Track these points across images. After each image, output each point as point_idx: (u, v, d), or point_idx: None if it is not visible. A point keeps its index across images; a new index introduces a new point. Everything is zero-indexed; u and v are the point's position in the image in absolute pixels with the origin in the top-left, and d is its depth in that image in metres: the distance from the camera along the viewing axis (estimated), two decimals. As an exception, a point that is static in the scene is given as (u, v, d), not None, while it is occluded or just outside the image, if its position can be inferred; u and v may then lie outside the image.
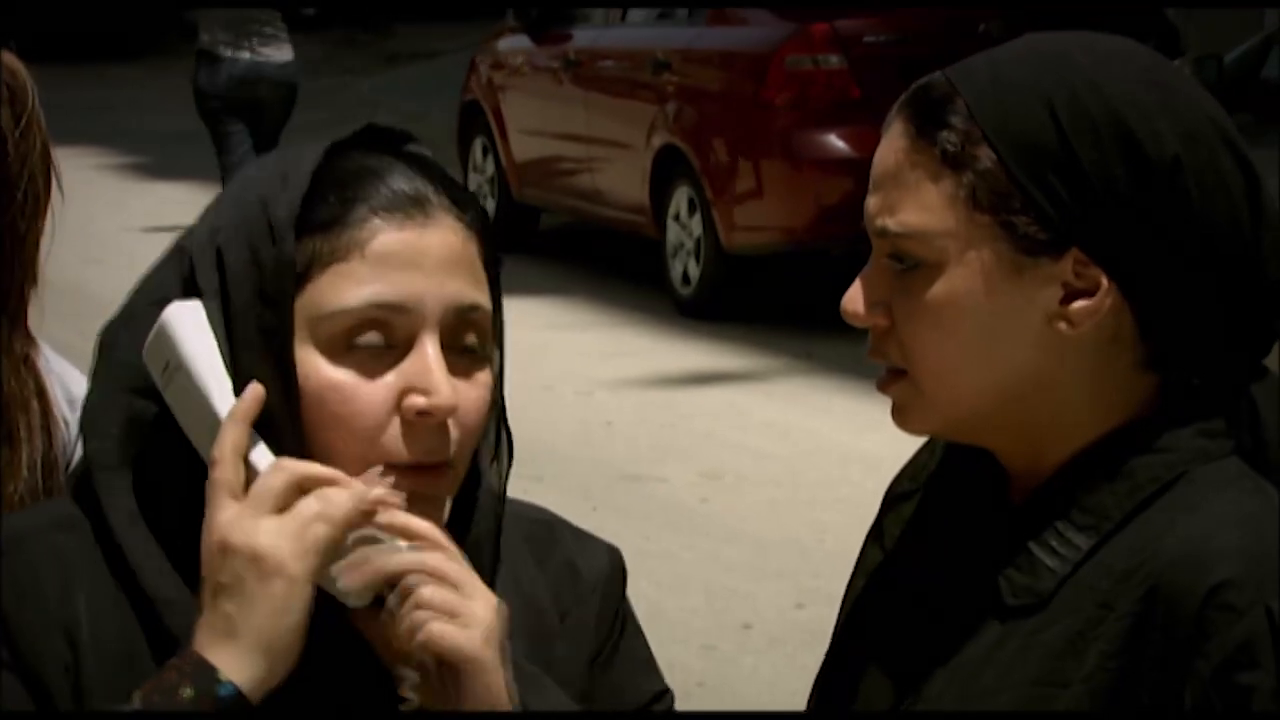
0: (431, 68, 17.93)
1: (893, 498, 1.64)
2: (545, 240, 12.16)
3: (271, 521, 1.45)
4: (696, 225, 10.23)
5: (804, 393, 8.50)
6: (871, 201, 1.53)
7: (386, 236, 1.51)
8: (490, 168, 12.16)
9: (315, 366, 1.50)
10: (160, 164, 14.92)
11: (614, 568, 1.67)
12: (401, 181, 1.53)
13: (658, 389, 8.79)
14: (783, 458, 7.60)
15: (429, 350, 1.50)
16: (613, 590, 1.66)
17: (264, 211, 1.51)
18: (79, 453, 2.05)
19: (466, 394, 1.52)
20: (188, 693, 1.43)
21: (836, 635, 1.63)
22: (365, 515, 1.47)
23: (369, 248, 1.50)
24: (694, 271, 10.26)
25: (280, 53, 11.38)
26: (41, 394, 1.98)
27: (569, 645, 1.62)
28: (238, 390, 1.50)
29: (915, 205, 1.50)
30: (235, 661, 1.44)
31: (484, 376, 1.54)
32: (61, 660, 1.49)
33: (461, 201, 1.55)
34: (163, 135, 16.34)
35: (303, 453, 1.50)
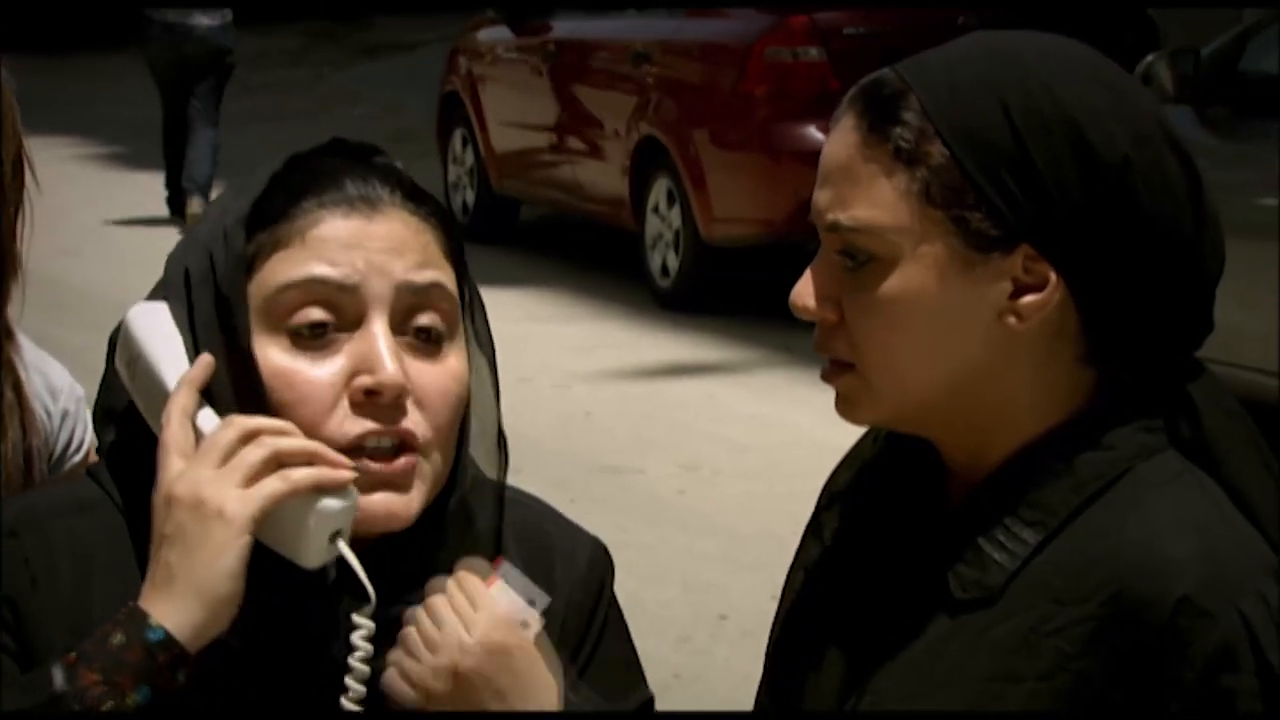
0: (410, 59, 17.91)
1: (832, 492, 1.65)
2: (524, 232, 12.15)
3: (215, 471, 1.46)
4: (676, 217, 10.23)
5: (782, 385, 8.52)
6: (821, 196, 1.54)
7: (329, 224, 1.52)
8: (470, 159, 12.16)
9: (265, 354, 1.51)
10: (139, 155, 14.89)
11: (593, 563, 1.67)
12: (355, 182, 1.55)
13: (636, 381, 8.80)
14: (760, 450, 7.62)
15: (375, 330, 1.51)
16: (590, 585, 1.66)
17: (221, 217, 1.54)
18: (63, 441, 2.06)
19: (427, 375, 1.52)
20: (118, 638, 1.43)
21: (777, 632, 1.63)
22: (309, 456, 1.47)
23: (309, 233, 1.52)
24: (673, 263, 10.26)
25: (210, 17, 11.76)
26: (17, 385, 1.98)
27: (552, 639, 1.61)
28: None
29: (867, 201, 1.51)
30: (168, 606, 1.44)
31: (452, 361, 1.54)
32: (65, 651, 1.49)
33: (420, 200, 1.57)
34: (141, 126, 16.30)
35: None
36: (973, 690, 1.48)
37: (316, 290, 1.50)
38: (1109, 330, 1.52)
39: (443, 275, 1.55)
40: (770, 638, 1.64)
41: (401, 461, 1.52)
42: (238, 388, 1.50)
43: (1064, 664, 1.47)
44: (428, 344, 1.54)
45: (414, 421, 1.52)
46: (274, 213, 1.53)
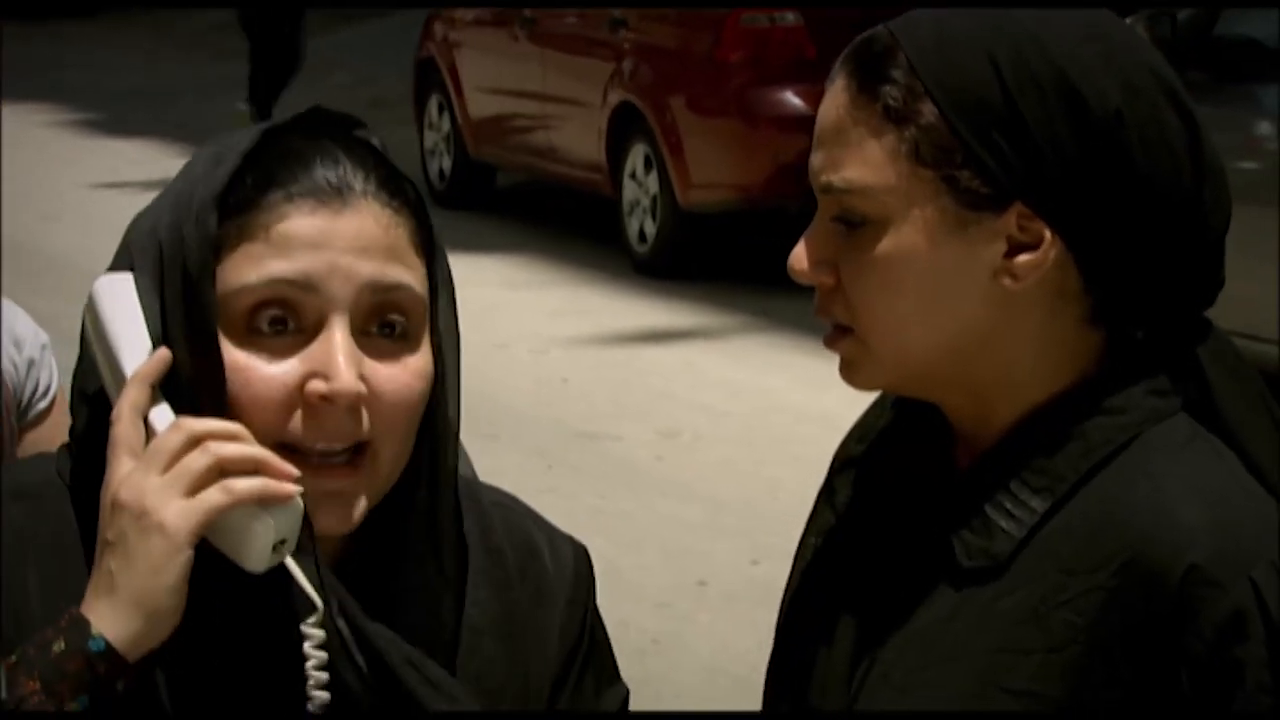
0: (387, 25, 17.85)
1: (844, 457, 1.63)
2: (501, 198, 12.13)
3: (160, 479, 1.44)
4: (653, 183, 10.22)
5: (760, 351, 8.52)
6: (816, 158, 1.53)
7: (295, 220, 1.49)
8: (446, 125, 12.13)
9: (226, 348, 1.48)
10: (114, 121, 14.84)
11: (579, 573, 1.64)
12: (327, 168, 1.50)
13: (614, 347, 8.79)
14: (738, 415, 7.62)
15: (335, 334, 1.47)
16: (579, 597, 1.63)
17: (193, 191, 1.51)
18: (29, 389, 2.06)
19: (387, 377, 1.49)
20: (59, 646, 1.42)
21: (790, 597, 1.62)
22: (254, 465, 1.44)
23: (275, 229, 1.48)
24: (650, 229, 10.26)
25: None
26: None
27: (537, 642, 1.60)
28: None
29: (858, 161, 1.50)
30: (110, 617, 1.43)
31: (415, 361, 1.51)
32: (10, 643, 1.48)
33: (393, 189, 1.52)
34: (117, 92, 16.25)
35: None
36: (981, 662, 1.47)
37: (277, 289, 1.47)
38: (1111, 288, 1.51)
39: (410, 275, 1.51)
40: (781, 607, 1.63)
41: (348, 472, 1.49)
42: (198, 377, 1.48)
43: (1074, 636, 1.45)
44: (391, 341, 1.50)
45: (368, 427, 1.48)
46: (243, 199, 1.49)
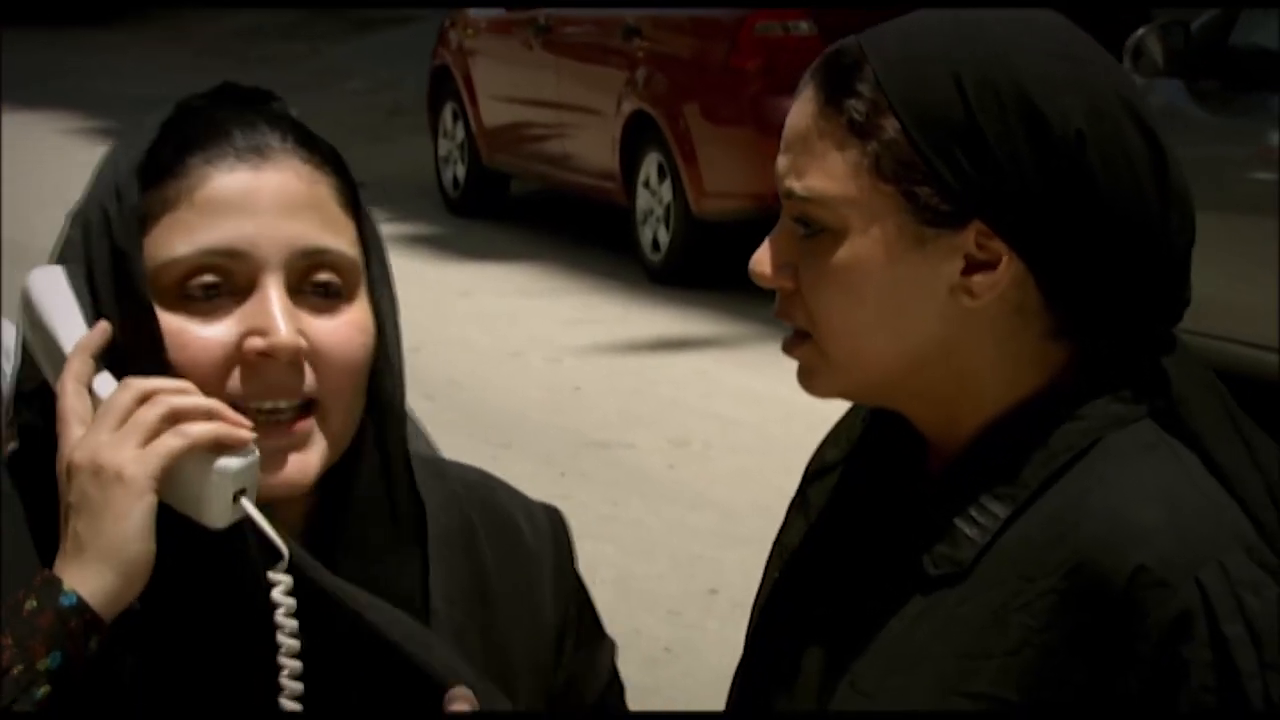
0: (404, 33, 17.88)
1: (817, 466, 1.64)
2: (515, 206, 12.15)
3: (112, 434, 1.44)
4: (666, 192, 10.23)
5: (773, 359, 8.49)
6: (781, 162, 1.54)
7: (216, 181, 1.49)
8: (460, 134, 12.14)
9: (161, 316, 1.48)
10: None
11: (558, 538, 1.65)
12: (243, 132, 1.51)
13: (627, 356, 8.80)
14: (750, 424, 7.62)
15: (269, 292, 1.48)
16: (563, 563, 1.64)
17: (113, 169, 1.52)
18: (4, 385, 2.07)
19: (326, 330, 1.49)
20: (31, 604, 1.43)
21: (760, 606, 1.63)
22: (207, 412, 1.45)
23: (197, 194, 1.48)
24: (664, 238, 10.26)
25: None
26: None
27: (517, 610, 1.60)
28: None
29: (820, 171, 1.51)
30: (80, 573, 1.43)
31: (353, 314, 1.51)
32: None
33: (311, 145, 1.52)
34: (135, 99, 16.27)
35: None
36: (945, 668, 1.48)
37: (207, 259, 1.48)
38: (1072, 305, 1.51)
39: (339, 237, 1.51)
40: (751, 617, 1.64)
41: (299, 425, 1.49)
42: (138, 346, 1.48)
43: (1029, 639, 1.46)
44: (326, 298, 1.50)
45: (312, 383, 1.49)
46: (163, 168, 1.50)
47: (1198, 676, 1.42)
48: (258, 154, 1.49)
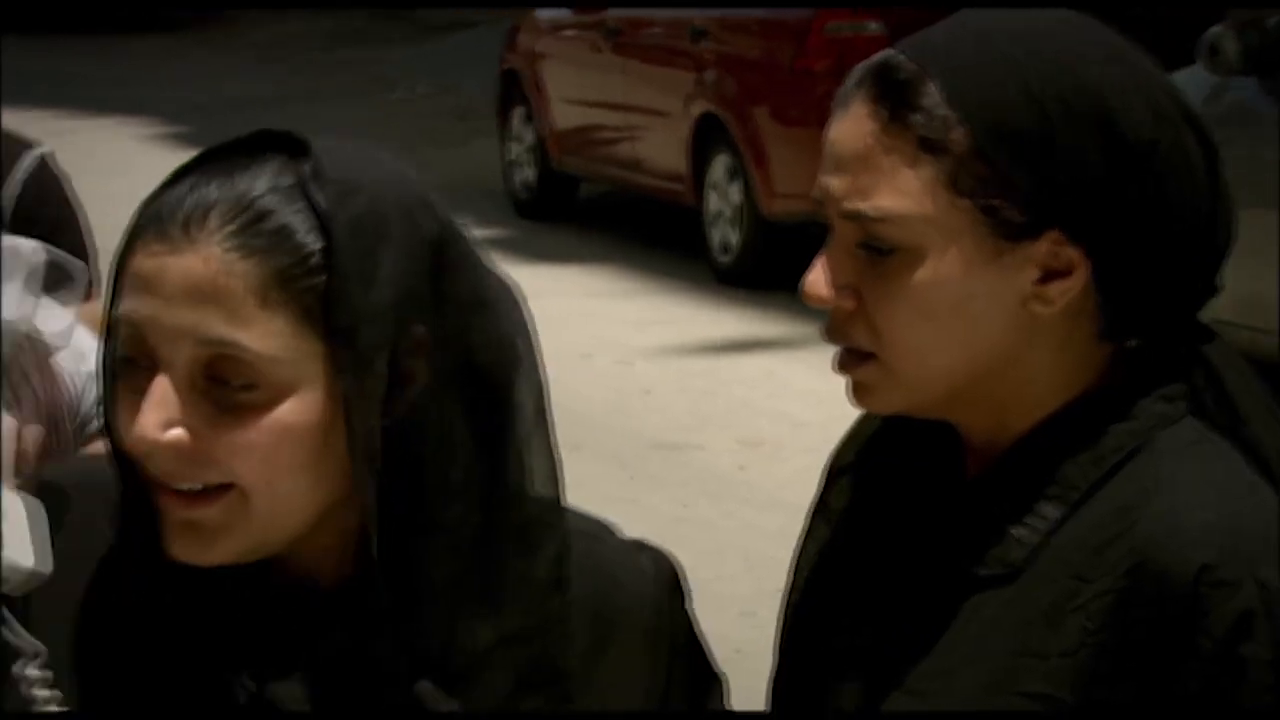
0: (466, 38, 17.93)
1: (838, 467, 1.63)
2: (585, 209, 12.16)
3: None
4: (736, 193, 10.22)
5: (843, 361, 8.50)
6: (836, 183, 1.51)
7: (139, 260, 1.43)
8: (530, 137, 12.16)
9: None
10: (198, 134, 14.95)
11: (660, 580, 1.57)
12: (190, 194, 1.42)
13: (696, 357, 8.80)
14: (820, 425, 7.61)
15: (158, 385, 1.41)
16: (662, 612, 1.56)
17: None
18: (88, 401, 2.09)
19: (228, 424, 1.41)
20: None
21: (792, 610, 1.61)
22: None
23: (127, 267, 1.44)
24: (733, 239, 10.26)
25: None
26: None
27: (601, 688, 1.53)
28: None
29: (892, 190, 1.48)
30: None
31: (266, 421, 1.41)
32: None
33: (252, 229, 1.41)
34: (200, 105, 16.38)
35: None
36: (995, 667, 1.47)
37: (124, 329, 1.43)
38: (1127, 306, 1.51)
39: (246, 330, 1.40)
40: (785, 620, 1.63)
41: (205, 501, 1.43)
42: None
43: (1085, 639, 1.45)
44: (237, 396, 1.42)
45: (219, 472, 1.42)
46: (135, 226, 1.45)
47: (1256, 674, 1.43)
48: (182, 230, 1.41)
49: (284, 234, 1.41)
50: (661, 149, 10.81)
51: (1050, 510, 1.50)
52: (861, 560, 1.57)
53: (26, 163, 2.72)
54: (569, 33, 11.81)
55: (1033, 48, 1.49)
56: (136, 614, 1.48)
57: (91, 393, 2.11)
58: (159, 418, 1.41)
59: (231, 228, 1.41)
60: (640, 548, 1.60)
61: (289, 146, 1.45)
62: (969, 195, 1.48)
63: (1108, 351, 1.53)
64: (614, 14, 11.35)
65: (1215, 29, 7.73)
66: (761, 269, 10.04)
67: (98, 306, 2.63)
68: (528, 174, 12.20)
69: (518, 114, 12.28)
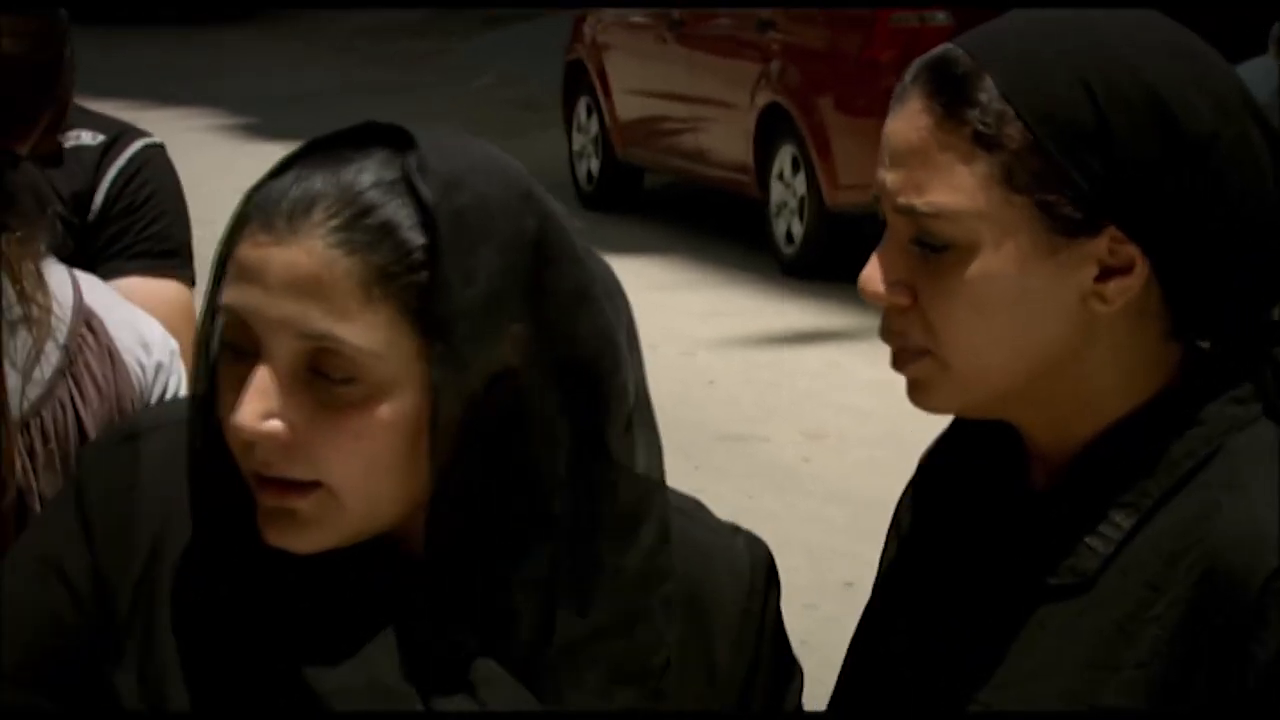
0: (531, 29, 17.94)
1: (915, 483, 1.61)
2: (649, 200, 12.16)
3: None
4: (800, 184, 10.20)
5: (907, 352, 8.48)
6: (891, 178, 1.49)
7: (245, 250, 1.43)
8: (594, 127, 12.17)
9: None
10: (267, 126, 15.02)
11: (755, 564, 1.56)
12: (295, 185, 1.43)
13: (760, 348, 8.79)
14: (885, 417, 7.59)
15: (260, 374, 1.42)
16: (755, 595, 1.56)
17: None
18: (156, 393, 2.11)
19: (321, 421, 1.42)
20: None
21: (867, 618, 1.60)
22: None
23: (234, 255, 1.44)
24: (797, 231, 10.24)
25: None
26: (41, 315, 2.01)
27: (690, 669, 1.52)
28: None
29: (946, 186, 1.47)
30: None
31: (368, 404, 1.41)
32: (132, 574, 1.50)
33: (356, 224, 1.41)
34: (269, 97, 16.45)
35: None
36: (1071, 680, 1.45)
37: (227, 316, 1.44)
38: (1193, 305, 1.49)
39: (353, 326, 1.41)
40: (859, 627, 1.62)
41: (299, 493, 1.43)
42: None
43: (1158, 649, 1.43)
44: (335, 390, 1.42)
45: (309, 469, 1.42)
46: (241, 215, 1.46)
47: None
48: (287, 222, 1.42)
49: (387, 229, 1.41)
50: (726, 140, 10.80)
51: (1123, 519, 1.47)
52: (932, 573, 1.56)
53: (133, 149, 2.77)
54: (634, 24, 11.81)
55: (1092, 42, 1.47)
56: (226, 584, 1.48)
57: (160, 383, 2.12)
58: (260, 408, 1.41)
59: (336, 222, 1.41)
60: (735, 530, 1.60)
61: (394, 139, 1.45)
62: (1025, 191, 1.46)
63: (1176, 353, 1.50)
64: (679, 5, 11.34)
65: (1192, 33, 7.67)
66: (825, 260, 10.02)
67: (189, 297, 2.65)
68: (592, 165, 12.21)
69: (582, 105, 12.29)
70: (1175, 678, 1.43)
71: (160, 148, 2.83)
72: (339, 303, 1.41)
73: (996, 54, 1.48)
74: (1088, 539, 1.47)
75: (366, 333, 1.41)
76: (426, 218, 1.42)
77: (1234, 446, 1.47)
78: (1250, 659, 1.41)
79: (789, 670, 1.60)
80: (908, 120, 1.50)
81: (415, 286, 1.42)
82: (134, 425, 1.57)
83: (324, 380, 1.42)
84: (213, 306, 1.46)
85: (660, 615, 1.50)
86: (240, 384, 1.43)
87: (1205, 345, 1.52)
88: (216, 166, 13.25)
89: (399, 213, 1.42)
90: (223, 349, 1.46)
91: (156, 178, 2.79)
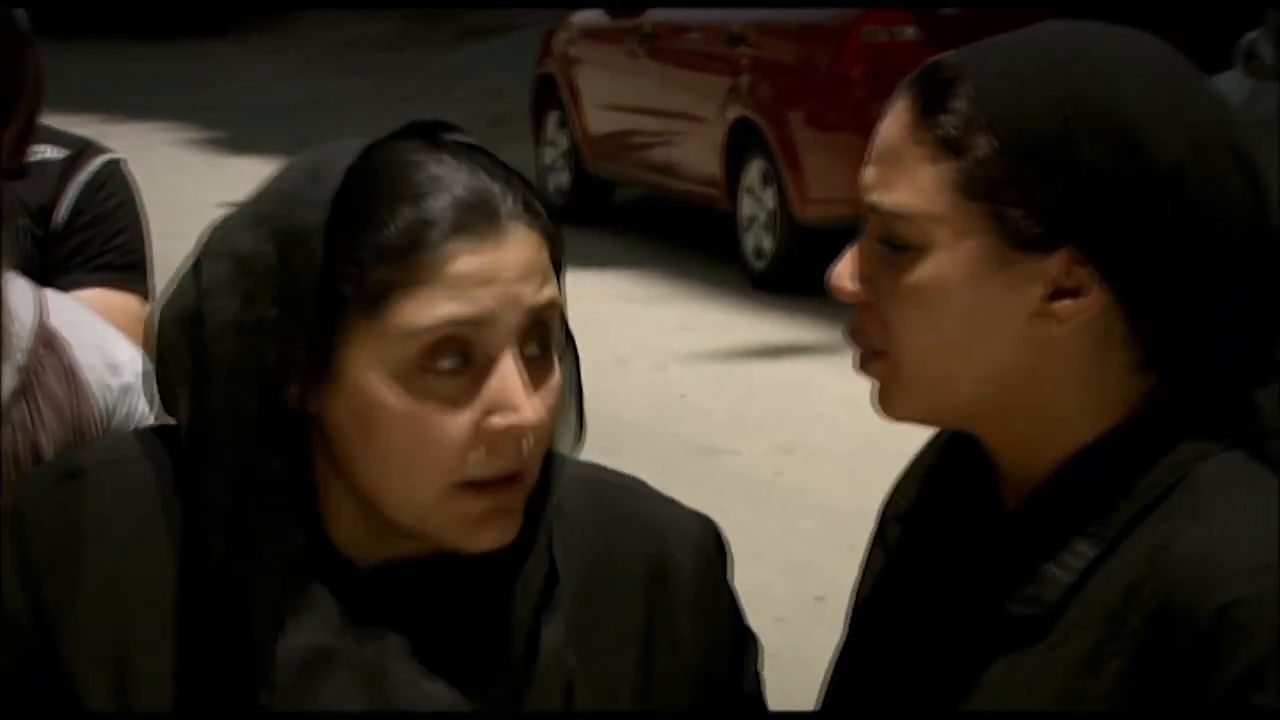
0: (509, 42, 17.95)
1: (896, 499, 1.61)
2: (619, 214, 12.17)
3: None
4: (770, 198, 10.22)
5: (878, 366, 8.49)
6: (868, 174, 1.51)
7: (465, 260, 1.45)
8: (564, 141, 12.18)
9: (394, 397, 1.45)
10: (241, 139, 15.00)
11: (706, 540, 1.60)
12: (465, 187, 1.47)
13: (731, 362, 8.80)
14: (856, 430, 7.60)
15: (510, 368, 1.46)
16: (713, 569, 1.59)
17: (291, 211, 1.47)
18: (120, 414, 2.09)
19: (542, 404, 1.48)
20: None
21: (846, 647, 1.60)
22: None
23: (447, 271, 1.45)
24: (767, 245, 10.25)
25: None
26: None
27: (651, 641, 1.57)
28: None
29: (909, 186, 1.48)
30: None
31: (555, 379, 1.50)
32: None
33: (528, 200, 1.50)
34: (244, 110, 16.43)
35: (305, 462, 1.48)
36: (1038, 715, 1.44)
37: (455, 329, 1.45)
38: (1160, 339, 1.47)
39: (555, 287, 1.50)
40: (839, 652, 1.61)
41: (513, 488, 1.49)
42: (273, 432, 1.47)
43: (1122, 683, 1.42)
44: (541, 361, 1.49)
45: (530, 450, 1.49)
46: (393, 237, 1.45)
47: None
48: (491, 222, 1.47)
49: (545, 205, 1.53)
50: (696, 154, 10.81)
51: (1086, 547, 1.46)
52: (914, 591, 1.55)
53: (96, 164, 2.82)
54: (604, 37, 11.82)
55: (1074, 61, 1.47)
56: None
57: (125, 405, 2.11)
58: (535, 403, 1.46)
59: (527, 212, 1.49)
60: (676, 501, 1.63)
61: (428, 132, 1.51)
62: (982, 199, 1.46)
63: (1147, 382, 1.48)
64: (649, 19, 11.36)
65: (1252, 34, 7.70)
66: (796, 274, 10.03)
67: (145, 311, 2.63)
68: (562, 179, 12.21)
69: (553, 118, 12.29)
70: (1138, 712, 1.41)
71: (121, 163, 2.88)
72: (549, 273, 1.50)
73: (982, 64, 1.49)
74: (1051, 567, 1.46)
75: (559, 296, 1.51)
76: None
77: (1199, 476, 1.46)
78: (1207, 693, 1.39)
79: (745, 637, 1.63)
80: (891, 120, 1.51)
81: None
82: (74, 463, 1.55)
83: (532, 357, 1.48)
84: (415, 332, 1.45)
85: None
86: (454, 395, 1.45)
87: (1184, 378, 1.48)
88: (192, 180, 13.23)
89: (537, 195, 1.53)
90: (428, 372, 1.45)
91: (119, 192, 2.85)
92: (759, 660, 1.64)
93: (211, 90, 17.80)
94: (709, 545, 1.61)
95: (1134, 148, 1.45)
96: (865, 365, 1.52)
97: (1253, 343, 1.48)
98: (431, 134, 1.51)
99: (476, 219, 1.46)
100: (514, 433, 1.46)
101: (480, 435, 1.46)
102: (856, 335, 1.52)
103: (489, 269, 1.46)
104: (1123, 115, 1.45)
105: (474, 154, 1.51)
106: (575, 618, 1.54)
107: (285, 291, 1.46)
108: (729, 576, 1.62)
